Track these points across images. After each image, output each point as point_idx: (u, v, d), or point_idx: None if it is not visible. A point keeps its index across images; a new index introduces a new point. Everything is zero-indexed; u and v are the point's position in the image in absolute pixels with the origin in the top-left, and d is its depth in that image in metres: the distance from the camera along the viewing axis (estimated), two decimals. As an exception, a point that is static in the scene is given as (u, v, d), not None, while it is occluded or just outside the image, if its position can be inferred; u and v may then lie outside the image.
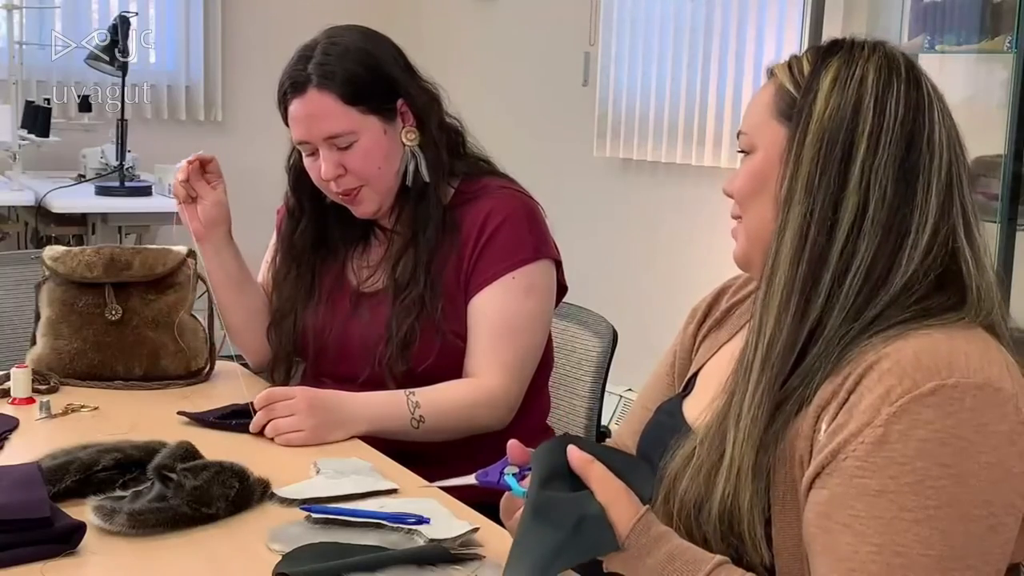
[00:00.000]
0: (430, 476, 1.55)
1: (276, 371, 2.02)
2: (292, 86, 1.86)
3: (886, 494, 1.01)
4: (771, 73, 1.23)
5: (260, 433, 1.70)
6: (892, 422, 1.02)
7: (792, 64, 1.20)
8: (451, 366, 1.86)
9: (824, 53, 1.18)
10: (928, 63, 3.53)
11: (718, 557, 1.08)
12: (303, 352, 2.00)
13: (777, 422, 1.10)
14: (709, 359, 1.38)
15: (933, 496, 1.00)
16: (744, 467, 1.10)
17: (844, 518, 1.03)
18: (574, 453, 1.14)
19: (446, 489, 1.43)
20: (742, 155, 1.24)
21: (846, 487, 1.03)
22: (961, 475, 1.00)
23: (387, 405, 1.78)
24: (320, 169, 1.86)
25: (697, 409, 1.29)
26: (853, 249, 1.11)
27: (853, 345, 1.09)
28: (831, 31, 3.42)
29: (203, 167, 1.99)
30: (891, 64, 1.15)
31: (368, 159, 1.85)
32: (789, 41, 3.69)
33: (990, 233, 2.88)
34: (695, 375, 1.40)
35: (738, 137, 1.25)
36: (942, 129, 1.14)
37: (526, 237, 1.88)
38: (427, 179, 1.88)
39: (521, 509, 1.14)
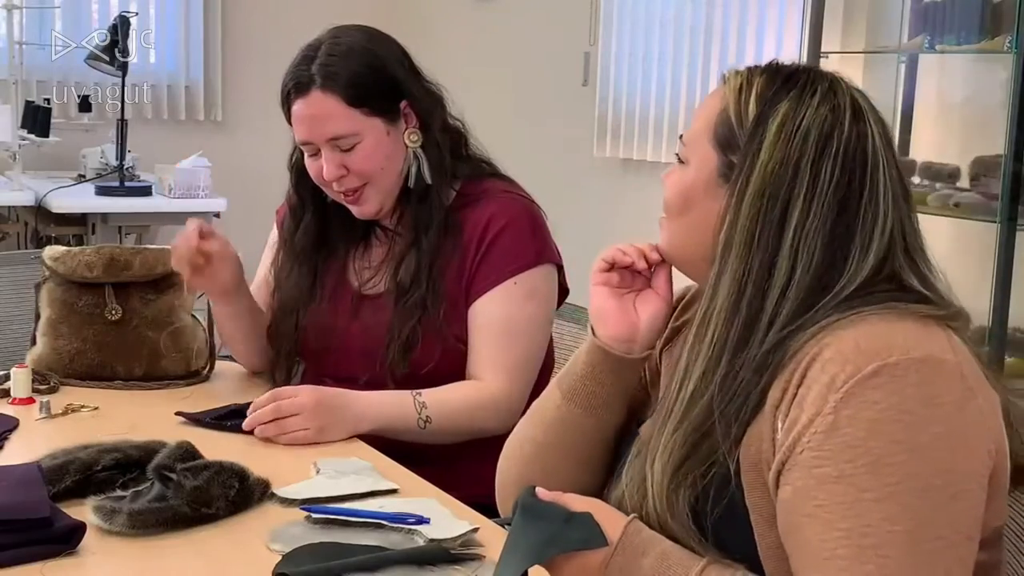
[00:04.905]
0: (432, 478, 1.56)
1: (277, 371, 2.01)
2: (296, 86, 1.84)
3: (845, 478, 1.02)
4: (725, 80, 1.21)
5: (254, 433, 1.70)
6: (840, 408, 1.03)
7: (743, 89, 1.17)
8: (453, 369, 1.86)
9: (777, 90, 1.15)
10: (928, 63, 3.54)
11: (708, 557, 1.09)
12: (304, 352, 1.99)
13: (694, 457, 1.11)
14: None
15: (891, 473, 1.01)
16: (662, 508, 1.12)
17: (809, 509, 1.03)
18: (543, 491, 1.13)
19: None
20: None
21: (806, 479, 1.04)
22: (915, 448, 1.01)
23: (394, 405, 1.78)
24: (322, 169, 1.85)
25: None
26: (777, 312, 1.11)
27: (792, 343, 1.09)
28: (831, 31, 3.42)
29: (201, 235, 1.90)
30: (836, 115, 1.13)
31: (370, 160, 1.85)
32: (789, 41, 3.69)
33: (990, 233, 2.88)
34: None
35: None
36: (886, 185, 1.13)
37: (528, 242, 1.88)
38: (429, 181, 1.88)
39: None
